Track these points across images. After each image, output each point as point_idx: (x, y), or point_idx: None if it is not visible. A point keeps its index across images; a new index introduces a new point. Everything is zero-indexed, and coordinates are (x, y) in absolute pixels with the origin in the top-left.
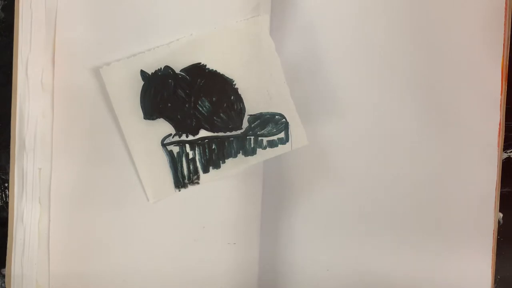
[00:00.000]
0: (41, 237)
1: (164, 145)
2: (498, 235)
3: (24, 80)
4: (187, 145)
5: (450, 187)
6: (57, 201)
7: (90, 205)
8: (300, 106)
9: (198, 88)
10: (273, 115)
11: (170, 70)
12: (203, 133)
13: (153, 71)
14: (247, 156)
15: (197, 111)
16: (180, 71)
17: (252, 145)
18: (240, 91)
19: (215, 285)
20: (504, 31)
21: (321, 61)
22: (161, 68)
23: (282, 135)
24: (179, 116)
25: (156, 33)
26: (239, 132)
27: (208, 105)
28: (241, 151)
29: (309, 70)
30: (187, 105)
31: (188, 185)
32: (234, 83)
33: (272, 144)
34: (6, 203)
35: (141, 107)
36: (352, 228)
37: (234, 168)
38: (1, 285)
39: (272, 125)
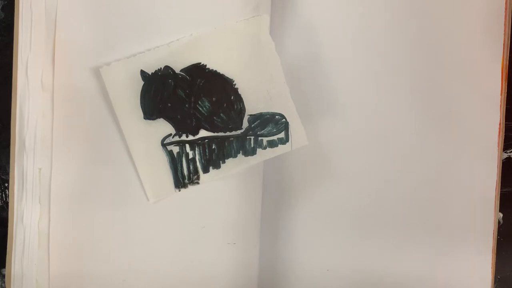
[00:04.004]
0: (41, 237)
1: (164, 145)
2: (498, 235)
3: (24, 80)
4: (187, 145)
5: (450, 187)
6: (57, 201)
7: (90, 205)
8: (300, 106)
9: (198, 88)
10: (273, 115)
11: (170, 70)
12: (203, 133)
13: (153, 71)
14: (247, 156)
15: (197, 111)
16: (180, 71)
17: (252, 145)
18: (240, 91)
19: (215, 285)
20: (504, 31)
21: (321, 61)
22: (161, 68)
23: (282, 135)
24: (179, 116)
25: (156, 33)
26: (239, 132)
27: (208, 105)
28: (241, 151)
29: (309, 70)
30: (187, 105)
31: (188, 185)
32: (234, 83)
33: (272, 144)
34: (6, 203)
35: (141, 107)
36: (352, 228)
37: (234, 168)
38: (1, 285)
39: (272, 125)
